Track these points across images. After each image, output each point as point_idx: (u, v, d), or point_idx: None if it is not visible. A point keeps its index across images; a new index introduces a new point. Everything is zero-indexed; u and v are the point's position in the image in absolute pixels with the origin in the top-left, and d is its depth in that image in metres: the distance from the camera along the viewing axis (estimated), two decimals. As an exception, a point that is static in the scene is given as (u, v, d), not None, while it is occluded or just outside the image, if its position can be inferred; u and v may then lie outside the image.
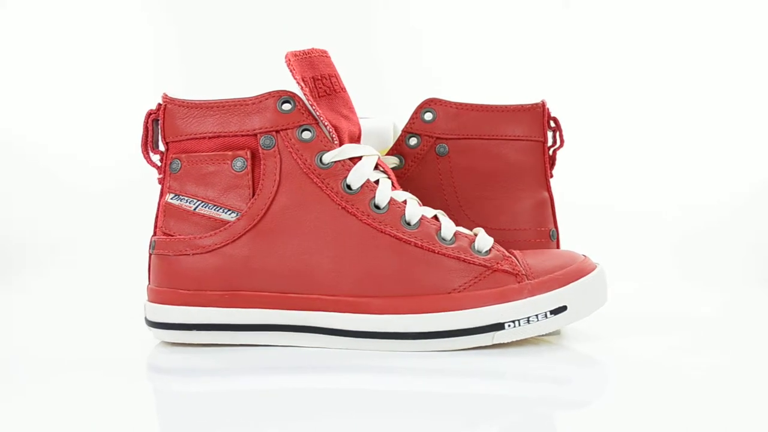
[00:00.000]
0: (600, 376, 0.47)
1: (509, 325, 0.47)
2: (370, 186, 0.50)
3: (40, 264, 0.83)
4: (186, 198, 0.51)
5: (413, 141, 0.60)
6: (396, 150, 0.61)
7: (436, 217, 0.51)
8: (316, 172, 0.49)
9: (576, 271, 0.49)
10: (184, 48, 1.03)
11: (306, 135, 0.49)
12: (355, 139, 0.53)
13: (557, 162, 0.63)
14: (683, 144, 0.98)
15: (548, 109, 0.61)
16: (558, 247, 0.61)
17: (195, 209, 0.50)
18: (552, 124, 0.61)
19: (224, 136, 0.50)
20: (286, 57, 0.49)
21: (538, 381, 0.45)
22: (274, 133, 0.49)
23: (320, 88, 0.51)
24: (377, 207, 0.49)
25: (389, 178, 0.52)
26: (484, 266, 0.48)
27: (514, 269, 0.48)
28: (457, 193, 0.60)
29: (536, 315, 0.47)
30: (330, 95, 0.52)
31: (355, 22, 1.01)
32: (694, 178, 0.96)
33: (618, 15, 1.00)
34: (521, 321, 0.47)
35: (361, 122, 0.65)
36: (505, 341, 0.48)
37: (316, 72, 0.51)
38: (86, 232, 0.87)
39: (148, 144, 0.52)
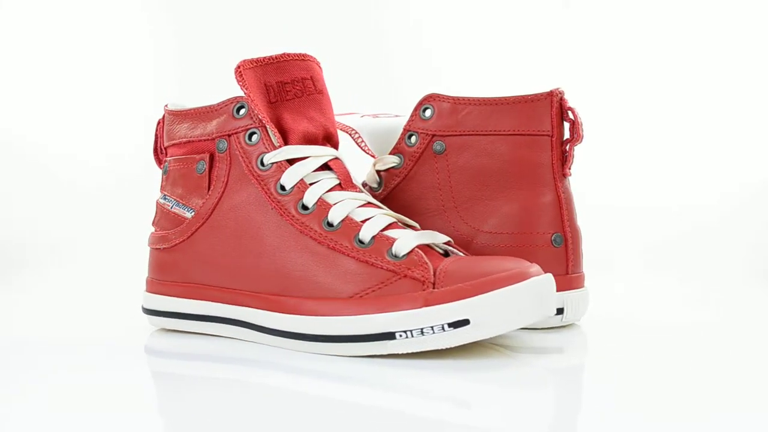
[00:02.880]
0: (510, 401, 0.40)
1: (401, 335, 0.44)
2: (302, 187, 0.50)
3: (43, 261, 0.87)
4: (168, 197, 0.56)
5: (413, 139, 0.57)
6: (397, 149, 0.57)
7: (368, 220, 0.49)
8: (256, 174, 0.51)
9: (493, 281, 0.43)
10: (184, 48, 1.04)
11: (253, 138, 0.51)
12: (317, 140, 0.52)
13: (574, 159, 0.56)
14: (680, 144, 0.99)
15: (565, 99, 0.54)
16: (567, 255, 0.54)
17: (171, 208, 0.55)
18: (571, 116, 0.54)
19: (194, 141, 0.54)
20: (237, 66, 0.50)
21: (434, 400, 0.40)
22: (227, 137, 0.52)
23: (288, 91, 0.51)
24: (304, 208, 0.49)
25: (338, 178, 0.51)
26: (393, 271, 0.46)
27: (422, 276, 0.45)
28: (453, 193, 0.55)
29: (432, 327, 0.43)
30: (300, 98, 0.52)
31: (368, 22, 1.00)
32: (692, 177, 0.97)
33: (618, 15, 1.02)
34: (414, 332, 0.44)
35: (382, 121, 0.62)
36: (399, 352, 0.45)
37: (285, 76, 0.52)
38: (88, 230, 0.93)
39: (157, 149, 0.58)
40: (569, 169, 0.55)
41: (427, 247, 0.49)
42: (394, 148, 0.58)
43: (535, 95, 0.54)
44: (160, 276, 0.55)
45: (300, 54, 0.53)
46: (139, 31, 1.05)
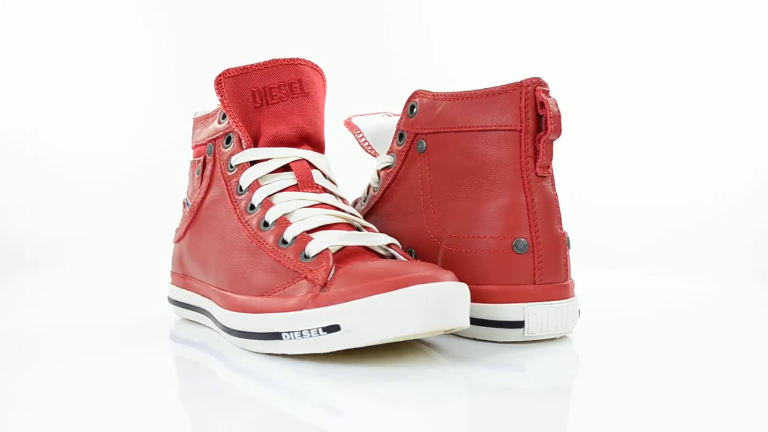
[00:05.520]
0: (389, 413, 0.38)
1: (286, 336, 0.44)
2: (255, 187, 0.51)
3: (77, 253, 0.92)
4: (186, 197, 0.61)
5: (403, 138, 0.55)
6: (391, 148, 0.57)
7: (302, 220, 0.49)
8: (225, 176, 0.53)
9: (371, 287, 0.41)
10: (194, 52, 1.01)
11: (229, 142, 0.54)
12: (290, 142, 0.53)
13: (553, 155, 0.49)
14: (680, 143, 1.02)
15: (540, 90, 0.49)
16: (534, 263, 0.48)
17: (185, 207, 0.60)
18: (552, 108, 0.48)
19: (199, 145, 0.58)
20: (218, 75, 0.52)
21: (311, 404, 0.39)
22: (213, 141, 0.55)
23: (274, 95, 0.53)
24: (252, 207, 0.50)
25: (295, 179, 0.51)
26: (296, 272, 0.46)
27: (315, 278, 0.44)
28: (432, 194, 0.53)
29: (309, 330, 0.43)
30: (285, 101, 0.53)
31: (375, 23, 0.97)
32: (686, 176, 1.00)
33: (619, 14, 1.03)
34: (296, 334, 0.44)
35: (383, 121, 0.62)
36: (289, 353, 0.45)
37: (272, 81, 0.53)
38: (113, 226, 0.95)
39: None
40: (541, 167, 0.48)
41: (364, 249, 0.48)
42: (389, 147, 0.57)
43: (503, 87, 0.49)
44: (173, 268, 0.61)
45: (291, 59, 0.54)
46: (149, 31, 1.08)
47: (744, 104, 1.01)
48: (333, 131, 0.64)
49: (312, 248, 0.46)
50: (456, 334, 0.51)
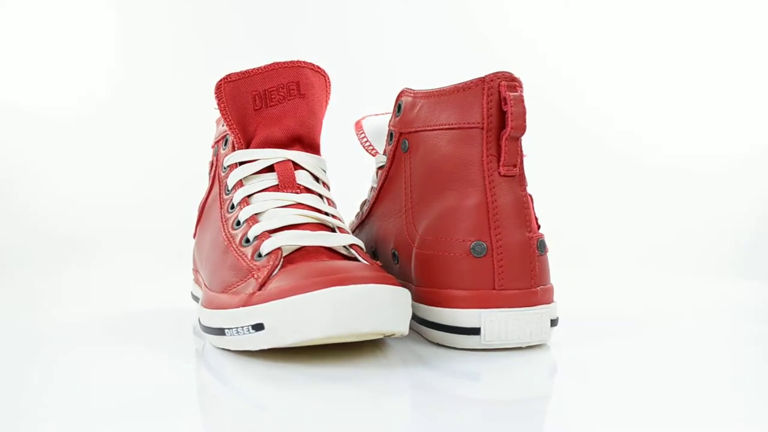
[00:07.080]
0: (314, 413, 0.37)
1: (228, 332, 0.45)
2: (238, 187, 0.52)
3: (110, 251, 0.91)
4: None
5: (391, 138, 0.54)
6: (385, 148, 0.56)
7: (270, 219, 0.49)
8: (219, 177, 0.55)
9: (293, 287, 0.41)
10: (185, 48, 1.00)
11: (227, 144, 0.55)
12: (281, 143, 0.53)
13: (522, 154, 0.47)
14: (675, 143, 1.02)
15: (505, 85, 0.46)
16: (493, 267, 0.46)
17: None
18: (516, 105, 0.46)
19: (213, 146, 0.60)
20: (218, 81, 0.53)
21: (239, 399, 0.40)
22: (217, 143, 0.57)
23: (273, 98, 0.53)
24: (232, 207, 0.51)
25: (277, 180, 0.51)
26: (248, 270, 0.46)
27: (258, 277, 0.45)
28: (412, 194, 0.52)
29: (242, 327, 0.44)
30: (282, 103, 0.53)
31: (375, 23, 0.95)
32: (686, 176, 0.99)
33: (621, 14, 1.03)
34: (233, 330, 0.44)
35: (382, 120, 0.62)
36: (231, 348, 0.46)
37: (272, 83, 0.54)
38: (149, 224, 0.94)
39: None
40: (505, 166, 0.46)
41: (324, 250, 0.47)
42: (384, 147, 0.56)
43: (467, 83, 0.47)
44: (192, 265, 0.62)
45: (292, 61, 0.54)
46: (150, 31, 1.07)
47: (744, 104, 1.00)
48: (335, 132, 0.63)
49: (265, 247, 0.46)
50: (425, 338, 0.50)
